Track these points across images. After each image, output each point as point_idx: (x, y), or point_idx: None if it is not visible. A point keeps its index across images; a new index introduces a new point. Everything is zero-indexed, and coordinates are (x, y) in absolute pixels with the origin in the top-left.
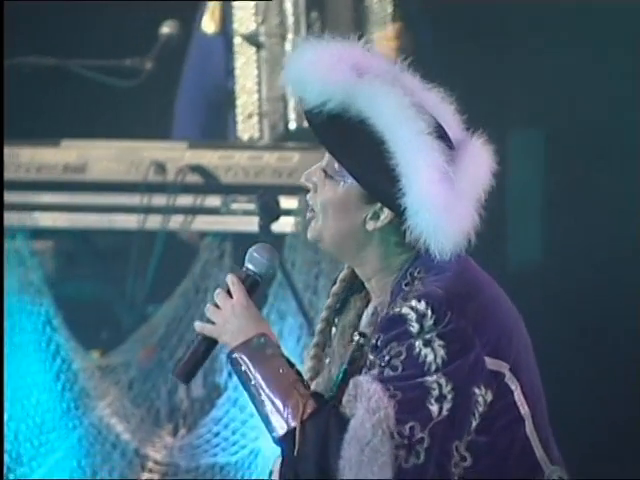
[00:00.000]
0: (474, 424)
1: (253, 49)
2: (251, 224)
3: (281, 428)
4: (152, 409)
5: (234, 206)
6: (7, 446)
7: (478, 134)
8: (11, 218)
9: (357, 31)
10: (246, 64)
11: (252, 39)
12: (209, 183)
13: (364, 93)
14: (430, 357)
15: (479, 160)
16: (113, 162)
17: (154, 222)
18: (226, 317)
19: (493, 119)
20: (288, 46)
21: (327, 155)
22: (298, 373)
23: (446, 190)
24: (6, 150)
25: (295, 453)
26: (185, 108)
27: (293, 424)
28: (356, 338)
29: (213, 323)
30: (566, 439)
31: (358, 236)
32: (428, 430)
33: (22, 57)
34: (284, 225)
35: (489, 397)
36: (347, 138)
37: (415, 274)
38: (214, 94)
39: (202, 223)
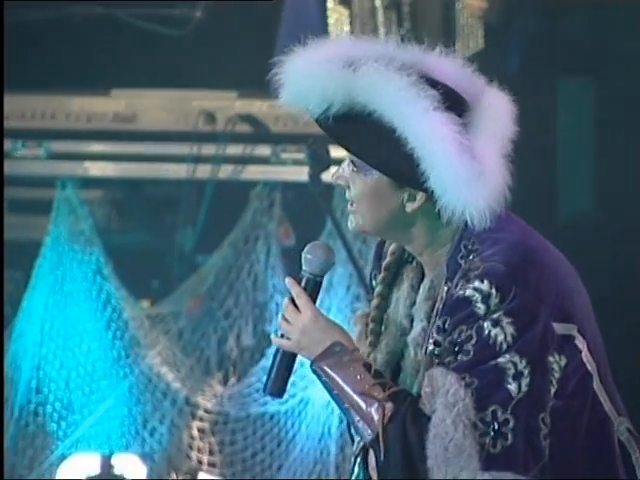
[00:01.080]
0: (552, 391)
1: (345, 6)
2: (301, 173)
3: (367, 434)
4: (202, 358)
5: (284, 155)
6: (59, 394)
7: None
8: (61, 167)
9: None
10: (338, 21)
11: None
12: (259, 132)
13: (362, 87)
14: (500, 337)
15: (498, 111)
16: (162, 111)
17: (204, 172)
18: (300, 332)
19: (542, 70)
20: (378, 2)
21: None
22: (377, 373)
23: (466, 161)
24: (57, 99)
25: (381, 458)
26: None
27: (377, 430)
28: (430, 348)
29: (289, 338)
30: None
31: (400, 219)
32: (510, 410)
33: (72, 6)
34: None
35: (563, 362)
36: (360, 134)
37: (469, 247)
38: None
39: (252, 172)
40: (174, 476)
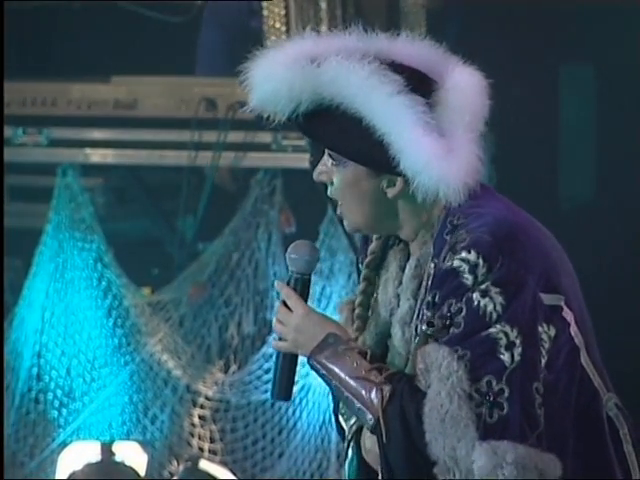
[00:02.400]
0: (543, 362)
1: None
2: (302, 160)
3: (369, 420)
4: (203, 345)
5: (285, 142)
6: (59, 381)
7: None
8: (62, 154)
9: None
10: (273, 4)
11: None
12: (260, 119)
13: (326, 81)
14: (490, 307)
15: (465, 87)
16: (163, 98)
17: (205, 158)
18: (294, 331)
19: (544, 55)
20: None
21: None
22: (373, 358)
23: (434, 140)
24: (57, 86)
25: (384, 441)
26: (205, 47)
27: (377, 414)
28: (421, 325)
29: (285, 340)
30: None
31: (385, 208)
32: (505, 379)
33: None
34: None
35: (552, 332)
36: (331, 127)
37: (455, 222)
38: (235, 33)
39: (253, 159)
40: (175, 464)
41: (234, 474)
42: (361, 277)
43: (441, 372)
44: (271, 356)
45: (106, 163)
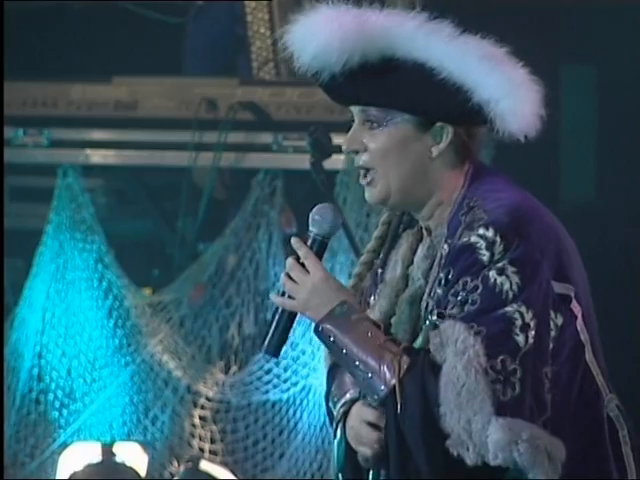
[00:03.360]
0: (550, 348)
1: None
2: (302, 161)
3: (380, 389)
4: (203, 346)
5: (285, 143)
6: (60, 382)
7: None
8: (63, 155)
9: None
10: (257, 9)
11: None
12: (260, 120)
13: (379, 33)
14: (506, 285)
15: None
16: (164, 99)
17: (205, 159)
18: (307, 292)
19: (545, 56)
20: None
21: (359, 111)
22: (385, 330)
23: (511, 69)
24: (58, 87)
25: (398, 410)
26: (190, 54)
27: (392, 383)
28: (431, 303)
29: (293, 298)
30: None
31: (424, 169)
32: (518, 360)
33: None
34: (335, 162)
35: (559, 321)
36: (380, 82)
37: (471, 204)
38: (220, 40)
39: (253, 160)
40: (176, 464)
41: (235, 475)
42: (360, 259)
43: (457, 347)
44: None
45: (107, 164)
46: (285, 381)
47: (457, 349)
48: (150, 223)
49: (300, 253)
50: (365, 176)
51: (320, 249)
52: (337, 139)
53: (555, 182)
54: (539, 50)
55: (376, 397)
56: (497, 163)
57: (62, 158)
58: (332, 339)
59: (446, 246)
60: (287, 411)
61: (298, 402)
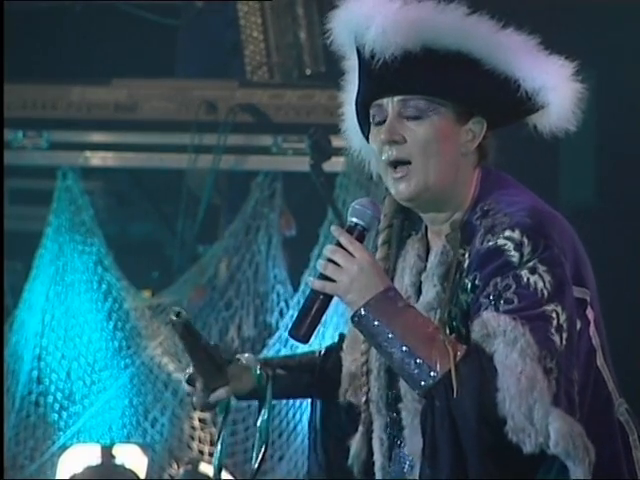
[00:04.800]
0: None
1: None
2: (302, 163)
3: (430, 375)
4: None
5: (285, 145)
6: (60, 384)
7: None
8: (62, 157)
9: None
10: (249, 13)
11: None
12: (260, 122)
13: (425, 21)
14: (540, 284)
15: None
16: (164, 101)
17: (205, 161)
18: (353, 276)
19: None
20: None
21: (397, 102)
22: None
23: (558, 64)
24: (57, 89)
25: (454, 395)
26: (183, 56)
27: (446, 368)
28: (455, 309)
29: (333, 281)
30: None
31: (456, 165)
32: (555, 361)
33: None
34: (335, 164)
35: (578, 326)
36: (423, 71)
37: (485, 207)
38: (212, 45)
39: (253, 162)
40: (175, 466)
41: (234, 477)
42: (377, 256)
43: (507, 336)
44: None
45: (106, 166)
46: None
47: (507, 339)
48: (149, 225)
49: (342, 239)
50: (397, 169)
51: (359, 238)
52: (336, 141)
53: (554, 184)
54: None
55: (423, 383)
56: (497, 165)
57: (61, 160)
58: (376, 323)
59: (462, 250)
60: (286, 413)
61: (297, 405)
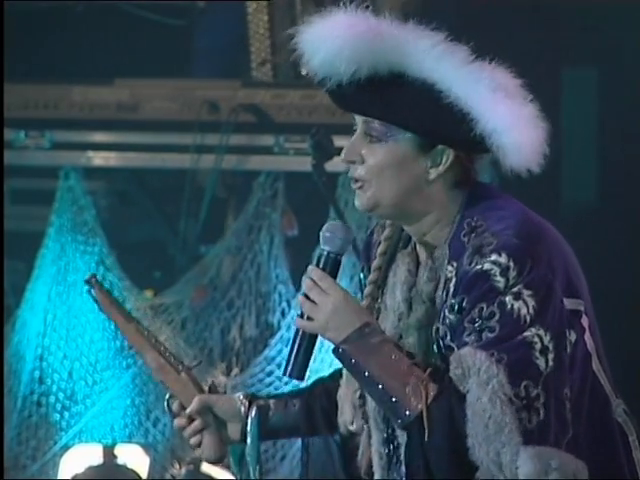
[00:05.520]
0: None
1: None
2: (304, 163)
3: (405, 414)
4: (205, 348)
5: (287, 145)
6: (62, 384)
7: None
8: (64, 157)
9: None
10: (257, 10)
11: None
12: (262, 122)
13: (391, 46)
14: (523, 310)
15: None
16: (166, 101)
17: (207, 161)
18: (327, 314)
19: (546, 58)
20: None
21: (362, 121)
22: (409, 354)
23: (515, 104)
24: (59, 89)
25: (426, 437)
26: (198, 52)
27: (419, 408)
28: (442, 328)
29: (312, 319)
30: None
31: (419, 189)
32: (541, 385)
33: None
34: (337, 164)
35: (573, 337)
36: (390, 98)
37: (473, 224)
38: (225, 38)
39: (255, 162)
40: (177, 466)
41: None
42: (368, 280)
43: (480, 377)
44: (273, 359)
45: (108, 166)
46: (286, 383)
47: (480, 379)
48: (152, 225)
49: (314, 276)
50: (356, 182)
51: (334, 267)
52: (339, 141)
53: (556, 185)
54: (539, 53)
55: (400, 421)
56: (498, 168)
57: (64, 160)
58: (353, 361)
59: (450, 267)
60: None
61: None
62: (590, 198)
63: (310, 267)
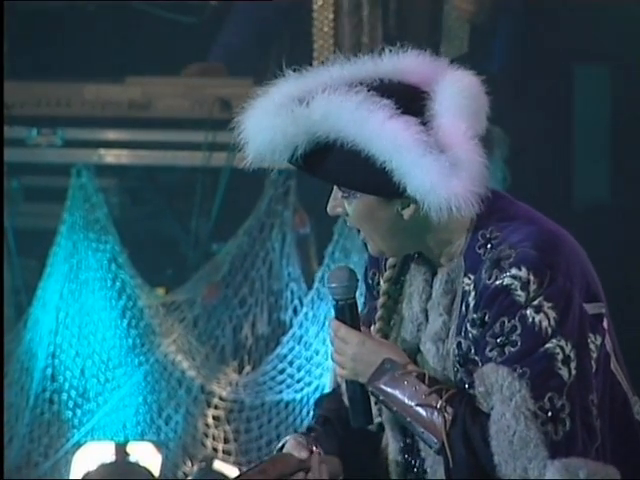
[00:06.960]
0: (593, 371)
1: None
2: None
3: (434, 443)
4: (217, 346)
5: None
6: (74, 382)
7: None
8: (76, 155)
9: None
10: (323, 7)
11: None
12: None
13: (318, 120)
14: (544, 322)
15: (459, 89)
16: (178, 99)
17: (219, 159)
18: (351, 362)
19: (559, 56)
20: None
21: None
22: (431, 381)
23: (435, 158)
24: (72, 87)
25: (450, 465)
26: (230, 34)
27: (443, 436)
28: (464, 342)
29: (344, 368)
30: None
31: (404, 230)
32: (565, 395)
33: None
34: None
35: (598, 341)
36: (332, 162)
37: (488, 235)
38: (262, 26)
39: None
40: (189, 464)
41: None
42: (381, 291)
43: (503, 393)
44: (285, 357)
45: (120, 164)
46: (299, 381)
47: (504, 396)
48: (164, 223)
49: (332, 327)
50: (358, 232)
51: (352, 311)
52: None
53: (569, 182)
54: (553, 51)
55: (432, 448)
56: (511, 164)
57: (76, 158)
58: (382, 398)
59: (467, 280)
60: (300, 411)
61: (311, 402)
62: (603, 195)
63: (329, 319)
